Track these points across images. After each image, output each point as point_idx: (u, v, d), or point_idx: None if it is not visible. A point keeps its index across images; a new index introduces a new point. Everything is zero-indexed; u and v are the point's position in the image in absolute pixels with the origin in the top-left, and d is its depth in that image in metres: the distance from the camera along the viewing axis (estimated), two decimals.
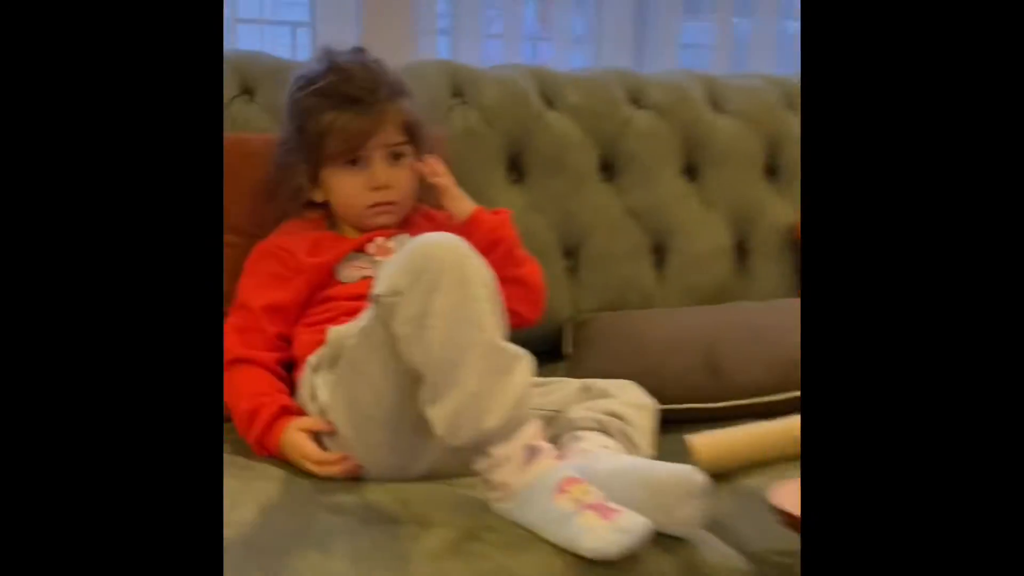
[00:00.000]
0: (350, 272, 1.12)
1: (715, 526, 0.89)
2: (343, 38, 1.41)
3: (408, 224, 1.19)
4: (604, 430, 0.96)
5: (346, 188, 1.13)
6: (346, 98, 1.09)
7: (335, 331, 0.99)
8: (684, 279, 1.50)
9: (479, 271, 0.86)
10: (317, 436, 0.96)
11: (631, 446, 0.95)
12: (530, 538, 0.81)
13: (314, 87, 1.11)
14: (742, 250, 1.56)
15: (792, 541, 0.78)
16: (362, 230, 1.15)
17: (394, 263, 0.87)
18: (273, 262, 1.11)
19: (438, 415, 0.83)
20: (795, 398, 1.16)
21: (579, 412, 0.99)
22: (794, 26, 2.00)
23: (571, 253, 1.46)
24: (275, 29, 1.94)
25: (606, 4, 1.86)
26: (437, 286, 0.83)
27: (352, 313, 1.07)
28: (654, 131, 1.52)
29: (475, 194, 1.21)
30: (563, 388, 1.03)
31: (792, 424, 1.02)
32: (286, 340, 1.09)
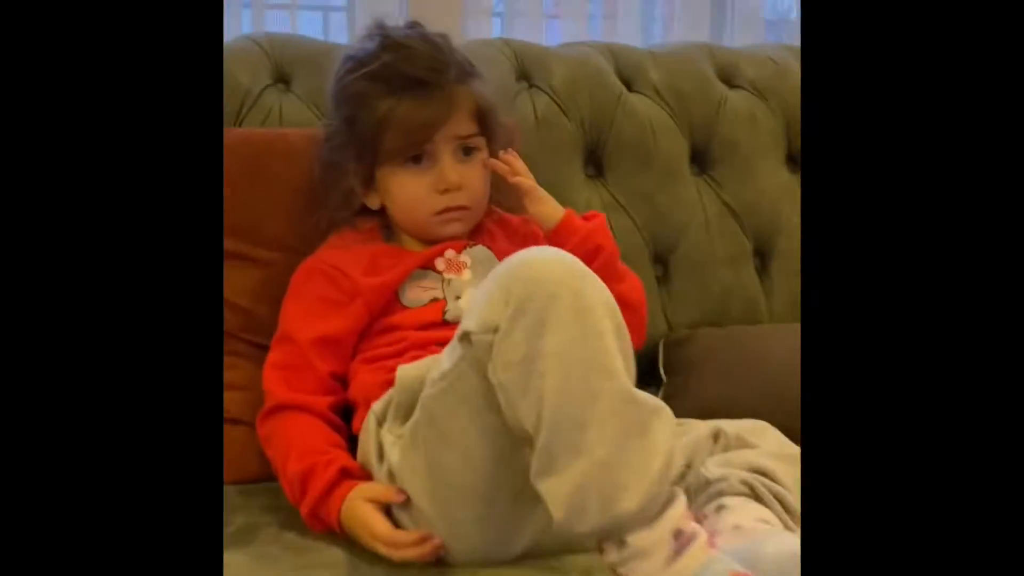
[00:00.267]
0: (416, 294, 0.92)
1: None
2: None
3: (480, 233, 0.99)
4: (755, 495, 0.75)
5: (408, 191, 0.93)
6: (407, 81, 0.89)
7: (405, 371, 0.79)
8: (794, 287, 1.28)
9: (601, 297, 0.66)
10: (387, 506, 0.77)
11: (790, 514, 0.75)
12: None
13: (367, 69, 0.91)
14: None
15: None
16: (426, 241, 0.95)
17: (488, 290, 0.67)
18: (323, 284, 0.91)
19: (556, 493, 0.63)
20: None
21: (717, 469, 0.78)
22: None
23: (661, 259, 1.25)
24: (305, 15, 1.78)
25: None
26: (548, 320, 0.63)
27: (421, 346, 0.87)
28: (751, 113, 1.31)
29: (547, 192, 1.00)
30: (689, 432, 0.83)
31: None
32: (341, 380, 0.89)
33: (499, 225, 1.01)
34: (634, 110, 1.25)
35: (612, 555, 0.63)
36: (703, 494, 0.77)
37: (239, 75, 1.09)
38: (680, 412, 0.82)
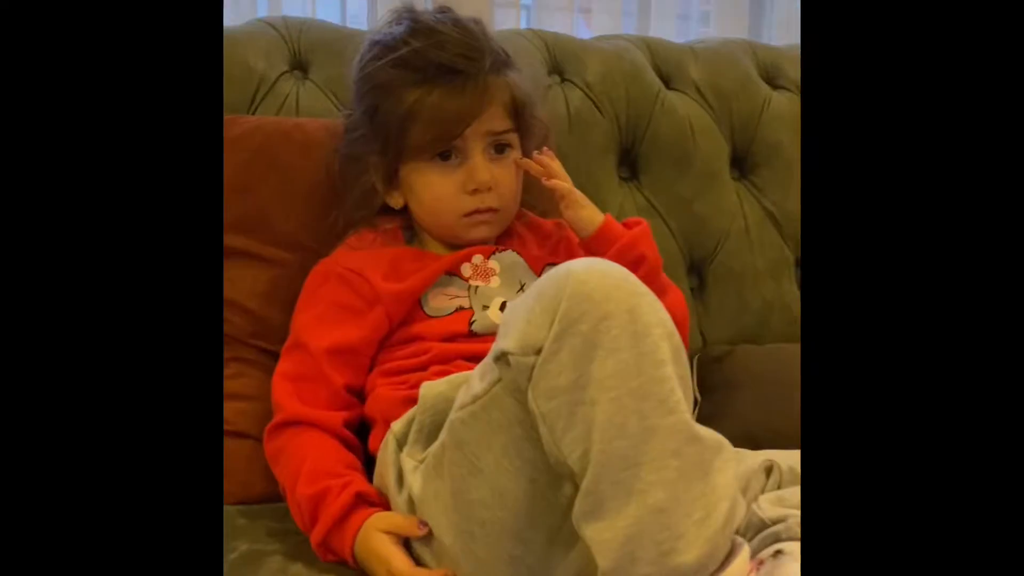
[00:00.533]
0: (441, 302, 0.84)
1: None
2: None
3: (510, 237, 0.91)
4: None
5: (434, 190, 0.85)
6: (438, 69, 0.81)
7: (430, 388, 0.71)
8: None
9: (659, 318, 0.58)
10: (406, 539, 0.69)
11: None
12: None
13: (394, 55, 0.83)
14: None
15: None
16: (452, 245, 0.88)
17: (529, 305, 0.59)
18: (339, 288, 0.84)
19: (603, 540, 0.56)
20: None
21: (773, 508, 0.70)
22: None
23: (697, 269, 1.18)
24: (321, 1, 1.70)
25: None
26: (600, 342, 0.56)
27: (446, 359, 0.80)
28: (796, 116, 1.23)
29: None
30: (739, 465, 0.75)
31: None
32: (357, 393, 0.82)
33: (530, 229, 0.93)
34: (673, 108, 1.17)
35: None
36: (758, 537, 0.69)
37: (254, 61, 1.02)
38: None
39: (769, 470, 0.76)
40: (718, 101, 1.21)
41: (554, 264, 0.76)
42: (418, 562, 0.68)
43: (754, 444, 0.84)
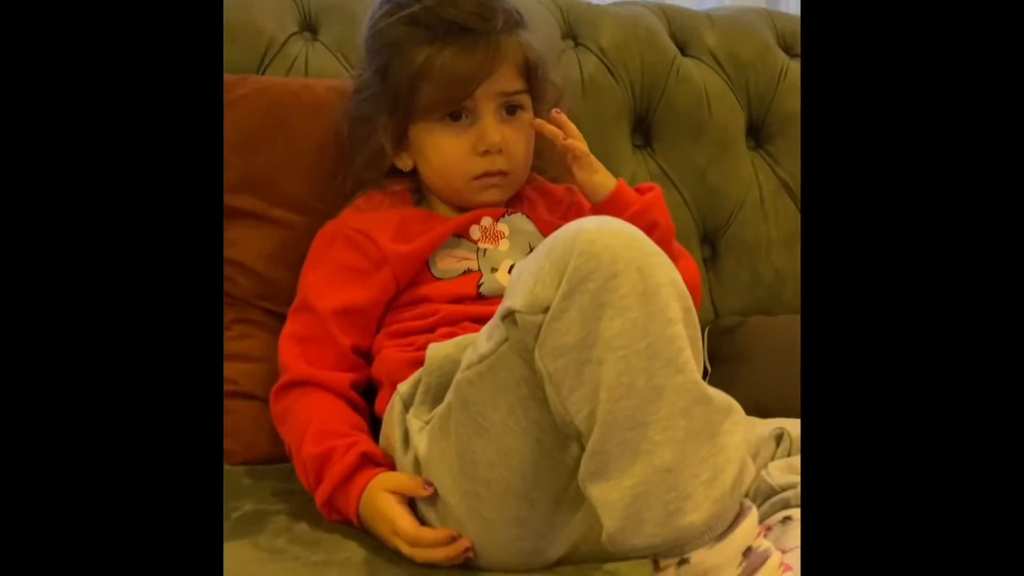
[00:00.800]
0: (449, 264, 0.83)
1: None
2: None
3: (519, 201, 0.90)
4: None
5: (443, 151, 0.84)
6: (450, 27, 0.80)
7: (436, 350, 0.70)
8: None
9: (670, 277, 0.57)
10: (412, 500, 0.69)
11: None
12: None
13: (405, 12, 0.81)
14: None
15: None
16: (460, 208, 0.87)
17: (538, 263, 0.58)
18: (347, 249, 0.83)
19: (609, 500, 0.55)
20: None
21: (782, 475, 0.69)
22: None
23: (710, 239, 1.17)
24: None
25: None
26: (608, 301, 0.55)
27: (453, 321, 0.79)
28: None
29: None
30: (750, 433, 0.74)
31: None
32: (364, 355, 0.81)
33: (540, 193, 0.92)
34: (688, 76, 1.15)
35: (670, 573, 0.55)
36: (767, 503, 0.68)
37: (263, 22, 1.01)
38: None
39: (779, 438, 0.74)
40: (735, 69, 1.18)
41: None
42: (423, 522, 0.68)
43: (764, 415, 0.83)
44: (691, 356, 0.56)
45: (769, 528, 0.66)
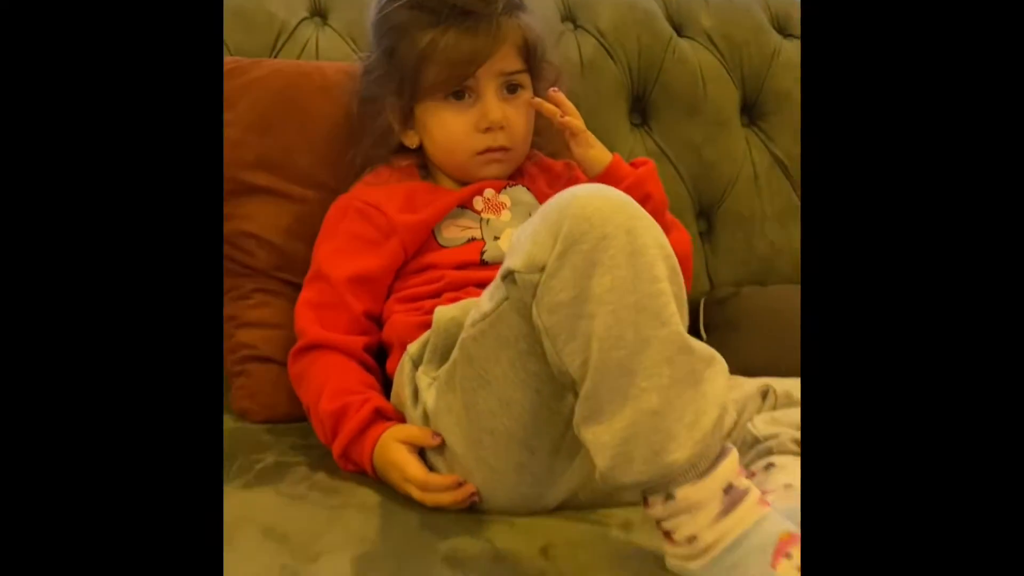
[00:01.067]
0: (453, 233, 0.88)
1: None
2: None
3: (520, 174, 0.95)
4: None
5: (448, 128, 0.89)
6: (452, 10, 0.85)
7: (443, 312, 0.76)
8: None
9: (656, 239, 0.62)
10: (421, 449, 0.74)
11: None
12: None
13: None
14: None
15: None
16: (464, 183, 0.92)
17: (535, 227, 0.63)
18: (358, 221, 0.88)
19: (600, 441, 0.60)
20: None
21: (766, 427, 0.74)
22: None
23: (705, 213, 1.21)
24: None
25: None
26: (599, 260, 0.60)
27: (458, 286, 0.84)
28: None
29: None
30: (736, 389, 0.79)
31: None
32: (375, 319, 0.87)
33: (540, 168, 0.97)
34: (684, 56, 1.20)
35: (657, 509, 0.60)
36: (751, 451, 0.73)
37: (274, 7, 1.06)
38: None
39: (765, 394, 0.80)
40: (729, 49, 1.23)
41: None
42: (432, 470, 0.73)
43: (753, 376, 0.87)
44: (676, 310, 0.61)
45: (753, 474, 0.71)
